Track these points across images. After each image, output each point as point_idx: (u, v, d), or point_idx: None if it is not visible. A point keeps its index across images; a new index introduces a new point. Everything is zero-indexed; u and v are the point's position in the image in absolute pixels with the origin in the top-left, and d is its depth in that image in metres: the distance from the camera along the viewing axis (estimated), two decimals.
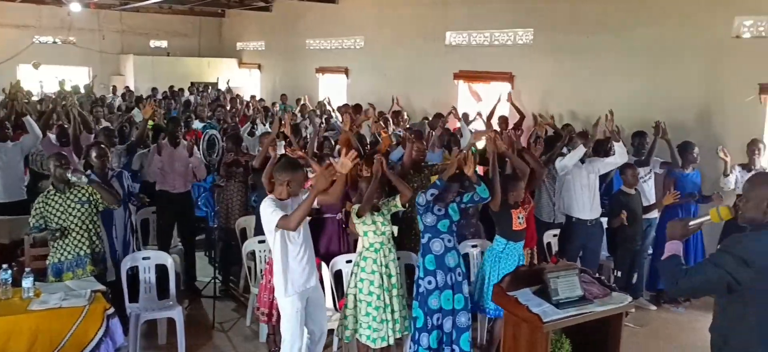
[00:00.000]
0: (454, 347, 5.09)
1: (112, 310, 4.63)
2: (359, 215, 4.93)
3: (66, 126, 7.49)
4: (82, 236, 5.05)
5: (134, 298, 5.59)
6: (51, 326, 4.40)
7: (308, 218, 4.63)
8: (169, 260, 5.73)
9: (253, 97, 15.65)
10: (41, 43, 18.81)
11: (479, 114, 10.43)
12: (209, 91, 16.80)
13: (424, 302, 5.00)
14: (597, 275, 3.94)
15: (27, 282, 4.58)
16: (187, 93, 17.23)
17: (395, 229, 5.53)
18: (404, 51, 12.97)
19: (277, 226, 4.29)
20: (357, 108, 12.21)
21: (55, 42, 19.00)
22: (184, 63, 19.52)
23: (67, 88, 15.90)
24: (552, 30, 9.90)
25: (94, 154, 5.80)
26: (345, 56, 15.08)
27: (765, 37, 7.34)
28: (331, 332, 5.55)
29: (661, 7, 8.42)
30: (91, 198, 5.08)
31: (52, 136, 7.60)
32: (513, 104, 10.00)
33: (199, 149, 6.64)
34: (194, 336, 5.97)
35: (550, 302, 3.54)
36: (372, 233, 4.97)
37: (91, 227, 5.10)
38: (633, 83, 8.68)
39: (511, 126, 9.59)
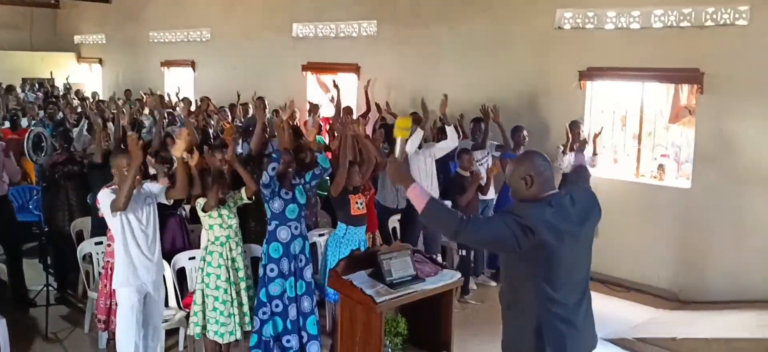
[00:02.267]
0: (303, 332, 5.17)
1: None
2: (205, 210, 4.84)
3: None
4: None
5: None
6: None
7: (151, 213, 4.52)
8: None
9: (94, 93, 14.79)
10: None
11: (332, 100, 10.52)
12: (41, 87, 15.62)
13: (265, 289, 5.01)
14: (430, 255, 4.14)
15: None
16: (18, 90, 15.97)
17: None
18: (252, 43, 12.79)
19: (111, 208, 4.24)
20: (205, 100, 11.96)
21: None
22: (13, 57, 18.00)
23: None
24: (394, 22, 10.19)
25: None
26: (191, 49, 14.63)
27: (583, 28, 8.01)
28: (175, 331, 5.45)
29: (492, 0, 8.94)
30: None
31: None
32: (367, 94, 10.16)
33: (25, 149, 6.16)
34: (25, 349, 5.61)
35: (384, 283, 3.68)
36: (218, 226, 4.91)
37: None
38: (470, 72, 9.14)
39: (356, 115, 9.78)
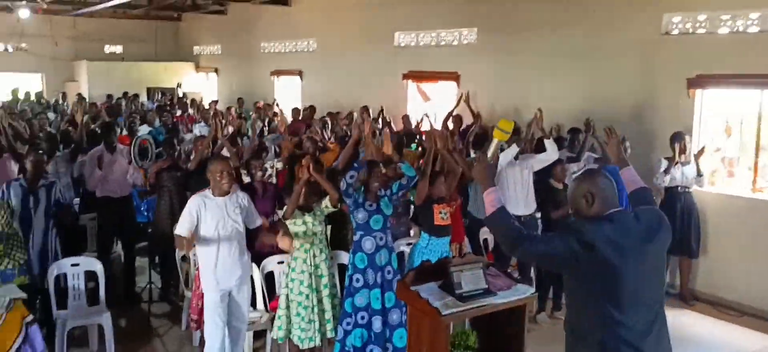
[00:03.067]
0: (388, 345, 5.15)
1: (30, 317, 4.60)
2: (285, 217, 4.97)
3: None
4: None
5: (64, 305, 5.56)
6: None
7: (237, 216, 4.70)
8: (98, 266, 5.70)
9: (213, 102, 15.60)
10: None
11: (426, 115, 10.53)
12: (163, 96, 16.66)
13: (351, 299, 5.06)
14: (506, 268, 4.02)
15: None
16: (144, 98, 17.12)
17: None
18: (355, 52, 13.03)
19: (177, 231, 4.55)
20: (312, 109, 12.32)
21: (5, 49, 18.64)
22: (139, 68, 19.31)
23: (20, 96, 15.74)
24: (494, 30, 10.05)
25: (28, 161, 5.78)
26: (298, 59, 15.10)
27: (692, 33, 7.55)
28: (263, 333, 5.61)
29: (594, 7, 8.60)
30: None
31: None
32: (468, 105, 10.08)
33: (131, 155, 6.59)
34: (127, 342, 5.98)
35: (453, 295, 3.61)
36: (302, 233, 5.02)
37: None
38: (570, 81, 8.85)
39: (464, 126, 9.71)
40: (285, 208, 4.99)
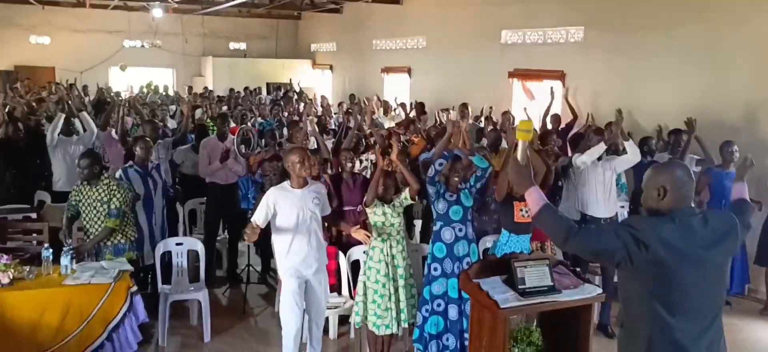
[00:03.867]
0: (465, 334, 5.22)
1: (135, 288, 5.05)
2: (365, 205, 5.16)
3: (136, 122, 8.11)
4: (98, 228, 5.48)
5: (168, 280, 6.06)
6: (81, 300, 4.86)
7: (314, 206, 4.93)
8: (199, 246, 6.14)
9: (323, 96, 16.17)
10: (130, 47, 20.06)
11: (525, 111, 10.43)
12: (277, 91, 17.47)
13: (429, 287, 5.17)
14: (574, 266, 3.98)
15: (64, 259, 5.06)
16: (264, 93, 18.01)
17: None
18: (463, 50, 13.07)
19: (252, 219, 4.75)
20: (421, 106, 12.47)
21: (142, 46, 20.23)
22: (259, 64, 20.32)
23: (154, 89, 17.09)
24: (603, 28, 9.76)
25: (139, 147, 6.33)
26: (408, 56, 15.32)
27: None
28: (347, 318, 5.83)
29: (712, 4, 8.16)
30: (112, 196, 5.48)
31: (113, 131, 8.20)
32: (568, 103, 9.91)
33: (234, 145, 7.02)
34: (224, 318, 6.41)
35: (515, 290, 3.64)
36: (381, 223, 5.18)
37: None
38: (683, 82, 8.46)
39: (563, 125, 9.55)
40: (365, 196, 5.17)
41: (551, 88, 10.02)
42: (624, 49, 9.33)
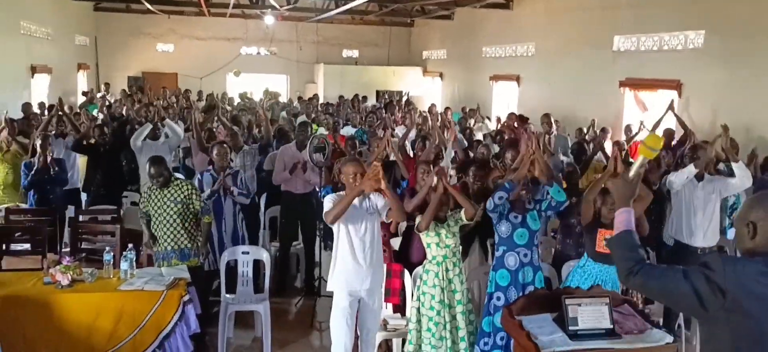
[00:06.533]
0: None
1: (188, 297, 4.96)
2: (419, 230, 4.77)
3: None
4: (172, 231, 5.45)
5: (232, 289, 5.97)
6: (134, 306, 4.83)
7: (371, 223, 4.61)
8: (265, 256, 6.01)
9: (432, 105, 15.87)
10: (247, 53, 20.75)
11: (641, 124, 9.57)
12: (383, 99, 17.41)
13: (491, 318, 4.71)
14: (641, 307, 3.40)
15: (124, 264, 5.08)
16: (372, 101, 17.96)
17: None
18: (572, 57, 12.33)
19: (325, 216, 4.47)
20: (523, 119, 11.85)
21: (258, 53, 20.86)
22: (370, 71, 20.34)
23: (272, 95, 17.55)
24: (725, 33, 8.75)
25: (214, 152, 6.32)
26: (516, 64, 14.71)
27: None
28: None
29: None
30: (187, 199, 5.47)
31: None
32: (677, 117, 8.99)
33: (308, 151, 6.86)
34: (290, 331, 6.24)
35: (564, 331, 3.14)
36: (435, 245, 4.78)
37: (180, 224, 5.47)
38: None
39: (675, 141, 8.68)
40: (419, 220, 4.76)
41: (672, 101, 9.11)
42: (749, 57, 8.31)
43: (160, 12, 18.29)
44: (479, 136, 9.94)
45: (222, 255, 5.92)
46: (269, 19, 17.36)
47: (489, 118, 12.13)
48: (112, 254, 5.18)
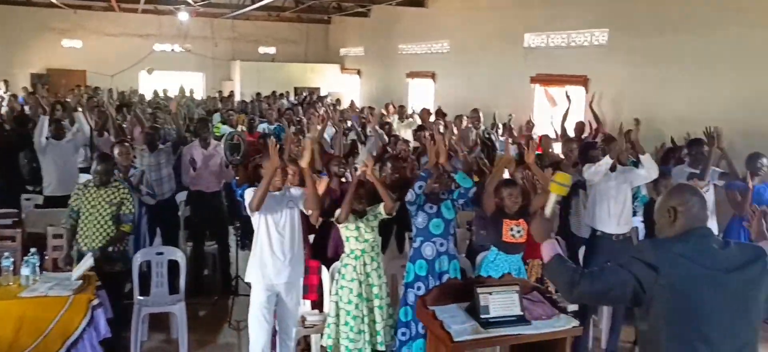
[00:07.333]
0: None
1: (96, 301, 4.76)
2: (338, 221, 4.77)
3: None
4: (101, 232, 5.21)
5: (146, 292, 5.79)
6: (36, 314, 4.57)
7: (291, 216, 4.58)
8: (179, 256, 5.85)
9: (351, 102, 15.89)
10: (160, 50, 20.11)
11: (551, 120, 9.91)
12: (297, 96, 17.29)
13: (409, 308, 4.76)
14: (549, 293, 3.53)
15: (25, 269, 4.81)
16: (292, 97, 17.76)
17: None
18: (486, 54, 12.62)
19: (248, 207, 4.45)
20: (441, 113, 12.02)
21: (172, 50, 20.28)
22: (287, 68, 20.15)
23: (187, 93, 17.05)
24: (628, 30, 9.17)
25: (116, 151, 6.09)
26: (432, 61, 14.92)
27: None
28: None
29: (750, 5, 7.53)
30: (120, 203, 5.23)
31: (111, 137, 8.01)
32: (592, 111, 9.37)
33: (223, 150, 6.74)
34: (207, 331, 6.11)
35: (477, 320, 3.21)
36: (354, 239, 4.80)
37: (110, 226, 5.23)
38: (711, 88, 7.87)
39: (587, 133, 9.02)
40: (338, 211, 4.77)
41: (566, 92, 9.49)
42: (650, 53, 8.75)
43: (66, 6, 17.46)
44: (407, 132, 10.04)
45: (134, 256, 5.73)
46: (183, 15, 16.91)
47: (417, 115, 12.23)
48: (12, 259, 4.91)
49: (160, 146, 7.08)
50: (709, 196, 6.27)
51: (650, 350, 2.58)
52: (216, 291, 7.07)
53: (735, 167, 6.31)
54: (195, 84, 19.85)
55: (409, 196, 4.75)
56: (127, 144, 6.20)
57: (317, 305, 5.51)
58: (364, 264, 4.76)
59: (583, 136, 8.81)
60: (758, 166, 6.24)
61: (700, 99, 7.95)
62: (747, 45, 7.46)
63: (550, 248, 2.79)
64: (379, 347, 4.82)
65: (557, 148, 8.23)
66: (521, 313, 3.30)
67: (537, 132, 9.62)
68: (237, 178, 6.46)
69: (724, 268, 2.50)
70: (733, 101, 7.53)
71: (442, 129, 8.64)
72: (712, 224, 6.23)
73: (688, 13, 8.30)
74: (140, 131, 7.90)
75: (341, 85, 20.02)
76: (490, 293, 3.29)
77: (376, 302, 4.79)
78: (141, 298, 5.65)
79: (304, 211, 4.71)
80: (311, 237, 5.79)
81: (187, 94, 16.77)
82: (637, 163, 5.68)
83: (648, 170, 5.35)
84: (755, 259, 2.57)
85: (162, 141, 7.45)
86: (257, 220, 4.53)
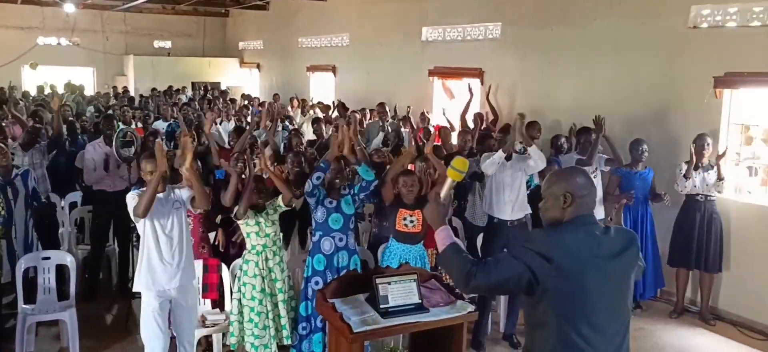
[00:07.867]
0: None
1: None
2: (237, 217, 4.71)
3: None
4: None
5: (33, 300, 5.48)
6: None
7: (178, 219, 4.44)
8: (68, 260, 5.59)
9: (243, 95, 15.63)
10: (45, 44, 19.00)
11: (444, 112, 10.21)
12: (195, 91, 16.88)
13: (309, 302, 4.76)
14: (446, 281, 3.63)
15: None
16: (189, 93, 17.25)
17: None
18: (385, 48, 12.73)
19: (132, 213, 4.24)
20: (344, 107, 12.05)
21: (58, 43, 19.20)
22: (184, 63, 19.55)
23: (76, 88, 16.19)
24: (519, 24, 9.52)
25: None
26: (332, 54, 14.90)
27: (722, 26, 6.88)
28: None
29: None
30: None
31: None
32: (489, 102, 9.67)
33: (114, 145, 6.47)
34: (101, 338, 5.89)
35: (376, 310, 3.26)
36: (255, 234, 4.75)
37: None
38: (592, 77, 8.30)
39: (484, 126, 9.29)
40: (237, 208, 4.70)
41: (469, 85, 9.79)
42: (538, 46, 9.12)
43: None
44: (308, 126, 10.01)
45: (18, 263, 5.41)
46: (69, 7, 15.99)
47: (318, 108, 12.18)
48: None
49: (37, 146, 6.72)
50: (597, 181, 6.64)
51: (538, 335, 2.65)
52: (114, 295, 6.81)
53: (619, 154, 6.68)
54: (85, 80, 18.95)
55: (307, 186, 4.74)
56: (2, 145, 5.83)
57: (218, 304, 5.42)
58: (266, 259, 4.72)
59: (482, 128, 9.08)
60: (640, 152, 6.67)
61: (584, 90, 8.37)
62: (622, 36, 7.89)
63: (444, 235, 2.79)
64: (285, 342, 4.81)
65: (454, 139, 8.45)
66: (419, 301, 3.37)
67: (434, 124, 9.85)
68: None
69: (607, 255, 2.61)
70: (612, 91, 7.97)
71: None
72: (600, 211, 6.60)
73: (568, 5, 8.71)
74: (22, 131, 7.46)
75: (240, 79, 19.66)
76: (389, 283, 3.34)
77: (280, 297, 4.77)
78: (26, 306, 5.35)
79: (193, 211, 4.60)
80: (211, 235, 5.69)
81: (77, 90, 16.00)
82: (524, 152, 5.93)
83: (535, 161, 5.59)
84: (630, 244, 2.72)
85: (44, 140, 7.08)
86: (143, 226, 4.32)
